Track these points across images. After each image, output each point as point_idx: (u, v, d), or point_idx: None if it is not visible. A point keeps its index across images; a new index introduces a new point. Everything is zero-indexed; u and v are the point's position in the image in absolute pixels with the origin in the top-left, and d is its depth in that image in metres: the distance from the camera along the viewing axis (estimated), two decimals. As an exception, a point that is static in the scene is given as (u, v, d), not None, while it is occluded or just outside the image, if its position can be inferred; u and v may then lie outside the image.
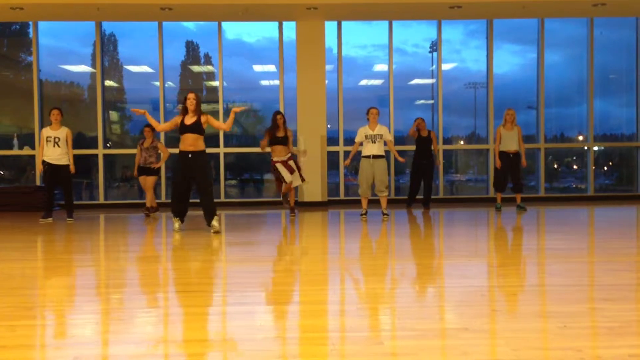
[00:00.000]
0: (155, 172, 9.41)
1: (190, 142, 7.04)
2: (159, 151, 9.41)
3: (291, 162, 8.94)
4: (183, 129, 7.06)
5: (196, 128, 7.04)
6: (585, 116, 12.15)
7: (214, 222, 7.08)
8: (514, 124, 9.42)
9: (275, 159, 8.92)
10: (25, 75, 11.90)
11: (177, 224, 7.34)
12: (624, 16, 11.87)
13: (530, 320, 3.15)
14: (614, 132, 12.71)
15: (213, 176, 8.27)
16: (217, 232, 7.02)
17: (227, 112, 12.05)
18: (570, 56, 12.68)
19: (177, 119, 7.18)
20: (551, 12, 11.30)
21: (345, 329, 3.08)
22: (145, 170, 9.35)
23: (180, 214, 7.34)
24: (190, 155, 7.02)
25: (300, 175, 9.08)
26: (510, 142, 9.37)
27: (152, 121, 7.42)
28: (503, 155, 9.39)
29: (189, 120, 7.07)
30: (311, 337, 2.92)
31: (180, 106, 7.45)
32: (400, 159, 8.69)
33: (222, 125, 7.55)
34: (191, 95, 7.15)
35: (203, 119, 7.08)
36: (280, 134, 8.91)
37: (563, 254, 5.45)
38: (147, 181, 9.38)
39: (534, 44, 12.09)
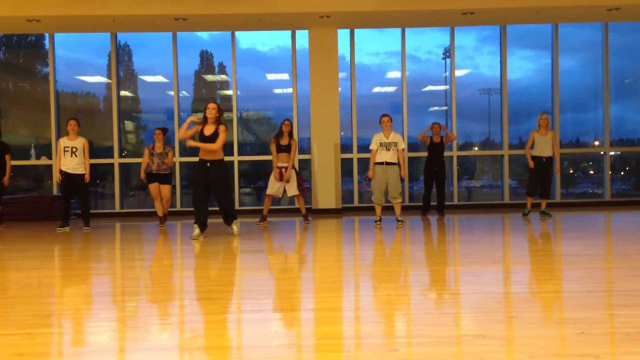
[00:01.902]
0: (170, 180, 9.36)
1: (208, 152, 7.23)
2: (167, 159, 9.25)
3: (291, 172, 8.94)
4: (202, 139, 7.24)
5: (214, 139, 7.19)
6: (601, 121, 12.06)
7: (234, 226, 7.56)
8: (548, 129, 9.37)
9: (277, 164, 8.96)
10: (42, 87, 12.05)
11: (196, 231, 7.40)
12: (638, 20, 11.78)
13: (548, 327, 3.12)
14: (630, 137, 12.60)
15: (232, 185, 8.53)
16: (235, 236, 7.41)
17: (240, 121, 12.13)
18: (585, 61, 12.60)
19: (198, 127, 7.32)
20: (565, 17, 11.24)
21: (360, 335, 3.07)
22: (160, 178, 9.23)
23: (200, 222, 7.38)
24: (208, 164, 7.23)
25: (299, 187, 9.03)
26: (544, 147, 9.32)
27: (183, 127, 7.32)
28: (536, 159, 9.36)
29: (208, 130, 7.24)
30: (326, 344, 2.91)
31: (196, 116, 7.47)
32: (403, 173, 8.59)
33: (218, 144, 7.28)
34: (212, 105, 7.33)
35: (221, 129, 7.23)
36: (284, 141, 8.95)
37: (580, 259, 5.40)
38: (164, 191, 9.24)
39: (548, 49, 12.04)
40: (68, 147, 8.68)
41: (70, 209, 9.19)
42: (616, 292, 4.08)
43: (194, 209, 7.40)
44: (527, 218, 9.34)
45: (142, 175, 9.27)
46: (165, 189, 9.25)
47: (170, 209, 10.18)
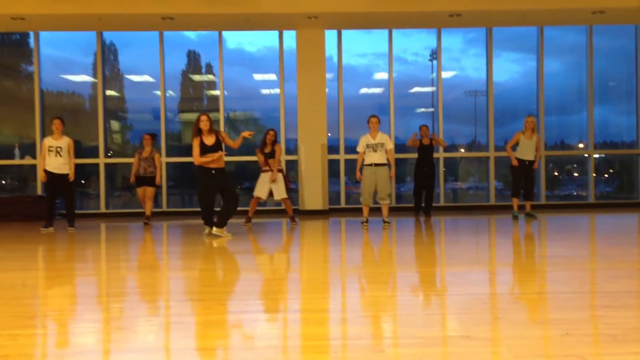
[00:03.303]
0: (154, 182, 9.61)
1: (216, 160, 7.43)
2: (156, 163, 9.63)
3: (279, 174, 8.94)
4: (205, 149, 7.39)
5: (218, 147, 7.43)
6: (586, 124, 12.17)
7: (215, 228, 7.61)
8: (534, 132, 9.39)
9: (264, 168, 9.00)
10: (27, 85, 11.94)
11: (207, 231, 7.77)
12: (622, 24, 11.92)
13: (532, 328, 3.15)
14: (614, 140, 12.73)
15: (236, 186, 8.78)
16: (216, 236, 7.50)
17: (227, 121, 12.10)
18: (570, 64, 12.71)
19: (196, 141, 7.42)
20: (550, 20, 11.34)
21: (347, 336, 3.07)
22: (146, 181, 9.56)
23: (210, 222, 7.74)
24: (213, 172, 7.44)
25: (287, 191, 9.04)
26: (528, 150, 9.34)
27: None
28: (519, 162, 9.38)
29: (209, 140, 7.43)
30: (312, 345, 2.91)
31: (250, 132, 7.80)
32: (391, 173, 8.60)
33: (232, 143, 7.77)
34: (204, 117, 7.48)
35: (220, 137, 7.51)
36: (268, 149, 9.01)
37: (564, 261, 5.44)
38: (148, 192, 9.63)
39: (534, 51, 12.13)
40: (53, 146, 8.61)
41: (55, 209, 9.13)
42: (600, 293, 4.12)
43: (203, 213, 7.78)
44: (517, 220, 9.30)
45: (132, 179, 9.68)
46: (150, 190, 9.65)
47: (156, 210, 10.31)
